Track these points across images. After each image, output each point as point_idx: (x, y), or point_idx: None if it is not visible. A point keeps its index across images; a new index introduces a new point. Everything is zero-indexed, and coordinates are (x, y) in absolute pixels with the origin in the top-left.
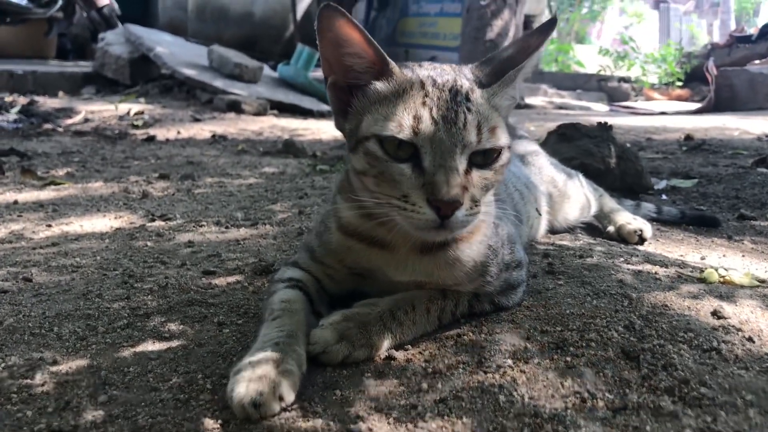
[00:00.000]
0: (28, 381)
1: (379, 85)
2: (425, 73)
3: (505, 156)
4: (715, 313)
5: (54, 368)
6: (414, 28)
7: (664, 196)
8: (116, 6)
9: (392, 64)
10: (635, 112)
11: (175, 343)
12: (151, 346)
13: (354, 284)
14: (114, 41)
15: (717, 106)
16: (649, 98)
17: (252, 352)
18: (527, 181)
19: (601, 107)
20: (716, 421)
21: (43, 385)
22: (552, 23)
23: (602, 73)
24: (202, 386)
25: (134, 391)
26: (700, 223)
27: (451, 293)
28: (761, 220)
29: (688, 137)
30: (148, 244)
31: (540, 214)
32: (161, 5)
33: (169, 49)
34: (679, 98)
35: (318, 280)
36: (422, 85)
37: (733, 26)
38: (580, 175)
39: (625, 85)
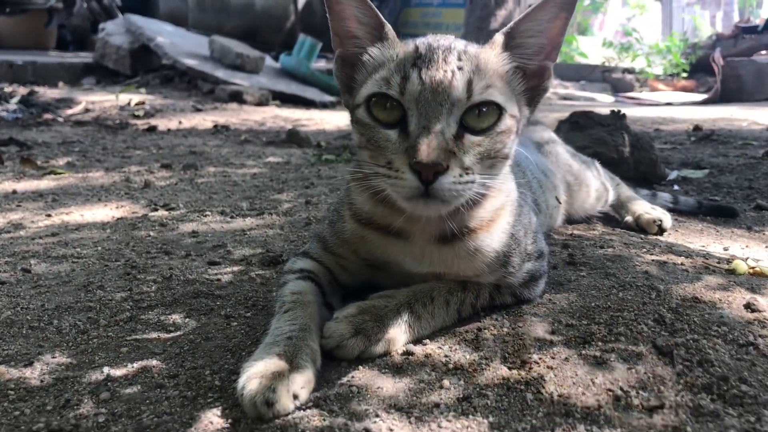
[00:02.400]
0: (26, 376)
1: (375, 51)
2: (422, 39)
3: (505, 122)
4: (749, 306)
5: (53, 363)
6: (417, 18)
7: (676, 187)
8: None
9: (388, 27)
10: (641, 103)
11: (180, 337)
12: (155, 340)
13: (368, 276)
14: (114, 31)
15: (723, 96)
16: (654, 89)
17: (263, 347)
18: (545, 168)
19: (606, 98)
20: (760, 420)
21: (41, 381)
22: None
23: (606, 64)
24: (210, 383)
25: (138, 387)
26: (718, 214)
27: (471, 285)
28: None
29: (697, 128)
30: (151, 234)
31: (560, 203)
32: None
33: (170, 39)
34: (685, 89)
35: (330, 271)
36: (416, 48)
37: (736, 18)
38: (597, 164)
39: (630, 76)
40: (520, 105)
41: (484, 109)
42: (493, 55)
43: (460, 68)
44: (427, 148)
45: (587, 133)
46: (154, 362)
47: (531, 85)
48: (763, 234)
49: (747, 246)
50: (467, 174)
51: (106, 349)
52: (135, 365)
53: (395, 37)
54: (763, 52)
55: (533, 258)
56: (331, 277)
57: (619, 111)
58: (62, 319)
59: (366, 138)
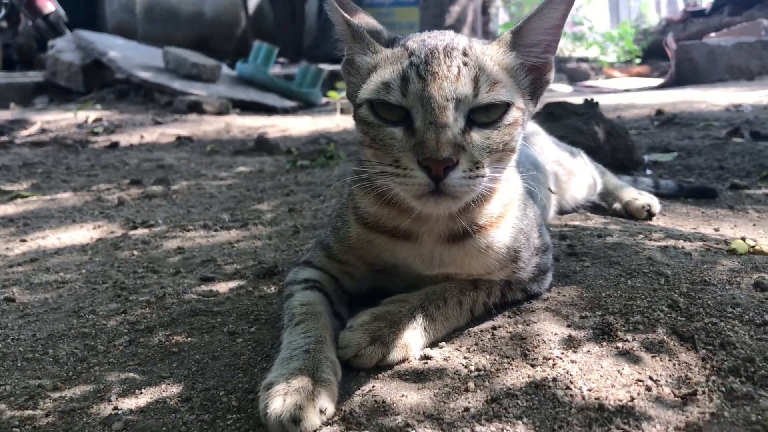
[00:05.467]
0: (30, 412)
1: (366, 58)
2: (418, 37)
3: (512, 115)
4: (758, 285)
5: (56, 395)
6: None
7: (648, 171)
8: (63, 12)
9: (365, 35)
10: (600, 91)
11: (186, 358)
12: (160, 363)
13: (375, 282)
14: (65, 48)
15: (679, 80)
16: (609, 76)
17: (280, 363)
18: (535, 161)
19: (565, 88)
20: None
21: (47, 416)
22: None
23: (560, 54)
24: (226, 404)
25: (151, 414)
26: (698, 195)
27: (483, 283)
28: (754, 188)
29: (659, 112)
30: (135, 253)
31: (554, 193)
32: (108, 9)
33: (123, 52)
34: (639, 75)
35: (336, 279)
36: (408, 48)
37: (680, 3)
38: (583, 153)
39: (585, 65)
40: (524, 99)
41: (488, 103)
42: (500, 53)
43: (465, 64)
44: (435, 144)
45: (563, 123)
46: (164, 386)
47: (533, 78)
48: (747, 213)
49: (735, 226)
50: (477, 168)
51: (110, 376)
52: (144, 391)
53: (379, 45)
54: (712, 34)
55: (540, 251)
56: (337, 286)
57: (592, 99)
58: (57, 348)
59: (370, 137)
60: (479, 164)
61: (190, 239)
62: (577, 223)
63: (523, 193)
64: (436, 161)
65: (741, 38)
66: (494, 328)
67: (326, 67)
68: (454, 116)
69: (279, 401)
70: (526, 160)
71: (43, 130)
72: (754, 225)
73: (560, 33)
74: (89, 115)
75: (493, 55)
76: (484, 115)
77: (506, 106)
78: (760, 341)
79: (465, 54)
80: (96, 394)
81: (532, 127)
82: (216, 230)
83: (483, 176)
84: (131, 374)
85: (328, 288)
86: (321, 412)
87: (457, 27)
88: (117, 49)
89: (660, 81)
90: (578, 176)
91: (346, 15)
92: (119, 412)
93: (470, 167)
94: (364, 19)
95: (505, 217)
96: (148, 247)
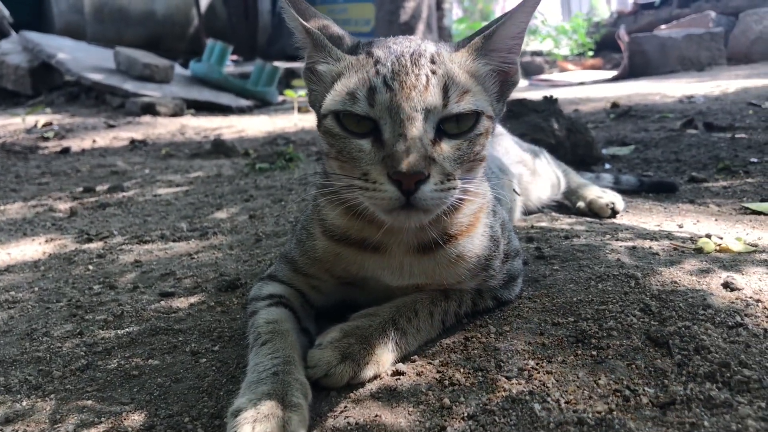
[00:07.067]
0: None
1: (329, 66)
2: (382, 43)
3: (483, 124)
4: (727, 285)
5: (9, 429)
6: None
7: (607, 165)
8: (7, 13)
9: (326, 42)
10: (554, 85)
11: (147, 382)
12: (119, 387)
13: (342, 294)
14: (10, 50)
15: (632, 72)
16: (563, 69)
17: (248, 386)
18: (501, 164)
19: (520, 82)
20: None
21: None
22: None
23: None
24: (192, 431)
25: None
26: (659, 190)
27: (454, 293)
28: (712, 181)
29: (615, 105)
30: (90, 268)
31: (519, 195)
32: (56, 9)
33: (72, 54)
34: (593, 67)
35: (302, 293)
36: (373, 55)
37: None
38: (545, 152)
39: (539, 59)
40: (493, 103)
41: (457, 113)
42: (469, 60)
43: (433, 72)
44: (405, 157)
45: (523, 121)
46: (125, 414)
47: (501, 81)
48: (707, 206)
49: (698, 221)
50: (449, 180)
51: (67, 404)
52: (103, 420)
53: (342, 52)
54: (663, 26)
55: (511, 257)
56: (303, 300)
57: (551, 96)
58: (9, 375)
59: (336, 149)
60: (450, 176)
61: (147, 251)
62: (543, 224)
63: (492, 200)
64: (407, 175)
65: (690, 30)
66: (467, 339)
67: (282, 65)
68: (424, 127)
69: (248, 429)
70: (493, 164)
71: None
72: (716, 220)
73: (524, 34)
74: (39, 119)
75: (462, 62)
76: (455, 125)
77: (477, 116)
78: (733, 344)
79: (433, 62)
80: (52, 425)
81: (497, 129)
82: (174, 241)
83: (454, 188)
84: (90, 401)
85: (294, 303)
86: None
87: (412, 23)
88: (66, 51)
89: (613, 73)
90: (542, 176)
91: (305, 23)
92: None
93: (441, 179)
94: (322, 23)
95: (476, 226)
96: (103, 261)
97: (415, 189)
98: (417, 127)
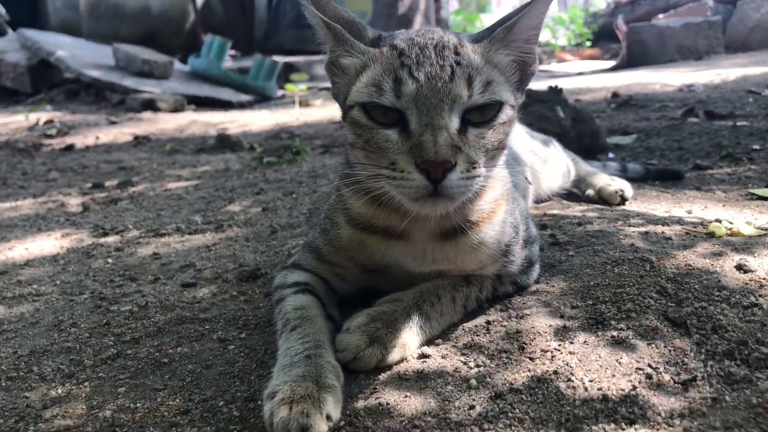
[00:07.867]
0: None
1: (353, 59)
2: (404, 35)
3: (505, 113)
4: (740, 267)
5: (48, 415)
6: None
7: (610, 155)
8: (3, 11)
9: (348, 36)
10: (554, 75)
11: (178, 369)
12: (151, 375)
13: (366, 282)
14: (8, 48)
15: (630, 61)
16: (561, 60)
17: (281, 369)
18: (514, 153)
19: None
20: None
21: None
22: None
23: None
24: (228, 414)
25: (151, 429)
26: (665, 177)
27: (475, 278)
28: (716, 168)
29: (615, 94)
30: (109, 261)
31: (530, 183)
32: (51, 6)
33: (70, 51)
34: (591, 57)
35: (326, 281)
36: (397, 47)
37: None
38: (555, 141)
39: (537, 50)
40: (514, 92)
41: (482, 103)
42: (491, 51)
43: (458, 63)
44: (433, 146)
45: (528, 111)
46: (160, 399)
47: (520, 70)
48: (714, 193)
49: (706, 207)
50: (474, 168)
51: (102, 391)
52: (139, 405)
53: (364, 45)
54: (660, 15)
55: (529, 243)
56: (327, 288)
57: (556, 86)
58: (42, 364)
59: (363, 139)
60: (476, 164)
61: (164, 244)
62: (555, 211)
63: (511, 187)
64: (435, 164)
65: (688, 19)
66: (488, 323)
67: (280, 59)
68: (450, 117)
69: (285, 410)
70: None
71: None
72: (723, 206)
73: (541, 25)
74: (40, 116)
75: (484, 53)
76: (479, 115)
77: (500, 105)
78: (749, 323)
79: (457, 53)
80: (90, 411)
81: None
82: (190, 233)
83: (479, 176)
84: (123, 388)
85: (318, 290)
86: (327, 418)
87: (409, 15)
88: (64, 48)
89: (612, 63)
90: (553, 165)
91: (325, 18)
92: (117, 428)
93: (467, 168)
94: (337, 12)
95: (497, 213)
96: (122, 254)
97: (443, 177)
98: (443, 117)
